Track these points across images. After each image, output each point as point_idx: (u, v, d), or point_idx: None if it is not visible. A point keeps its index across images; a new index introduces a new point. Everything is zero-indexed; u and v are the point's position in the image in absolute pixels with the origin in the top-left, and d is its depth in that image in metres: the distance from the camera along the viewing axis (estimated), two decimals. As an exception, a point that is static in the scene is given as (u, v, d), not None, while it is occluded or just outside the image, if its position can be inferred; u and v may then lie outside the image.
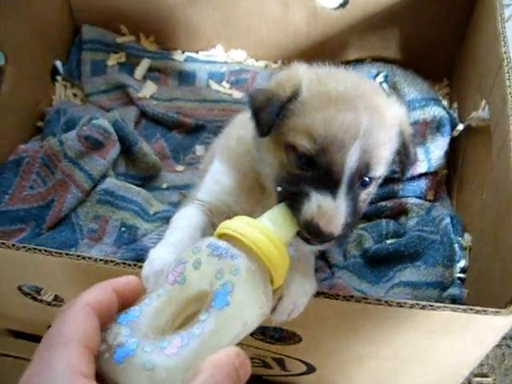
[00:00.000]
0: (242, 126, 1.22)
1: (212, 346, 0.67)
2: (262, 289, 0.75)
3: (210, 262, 0.74)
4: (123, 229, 1.58)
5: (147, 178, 1.82)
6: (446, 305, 0.98)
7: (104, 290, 0.71)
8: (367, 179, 1.00)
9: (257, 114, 1.02)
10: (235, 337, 0.71)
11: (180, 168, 1.88)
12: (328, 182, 0.94)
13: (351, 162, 0.93)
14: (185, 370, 0.64)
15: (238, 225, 0.80)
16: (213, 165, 1.25)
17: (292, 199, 0.94)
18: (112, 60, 2.09)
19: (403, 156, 1.09)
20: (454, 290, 1.33)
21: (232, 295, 0.70)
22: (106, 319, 0.69)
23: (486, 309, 0.96)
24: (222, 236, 0.81)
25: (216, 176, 1.21)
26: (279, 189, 0.99)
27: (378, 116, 0.99)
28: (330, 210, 0.92)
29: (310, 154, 0.95)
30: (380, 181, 1.09)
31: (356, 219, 1.01)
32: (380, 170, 1.02)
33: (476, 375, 1.62)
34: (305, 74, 1.03)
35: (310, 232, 0.92)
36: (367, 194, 1.05)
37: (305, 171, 0.97)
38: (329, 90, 0.98)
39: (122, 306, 0.72)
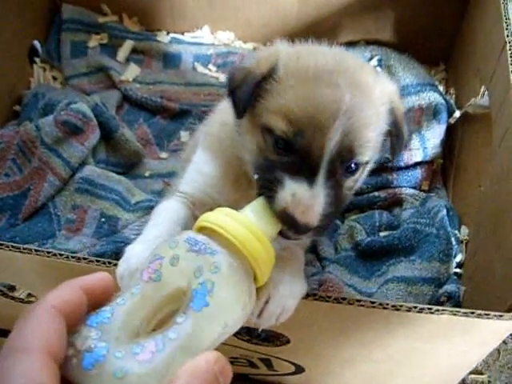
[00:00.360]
0: (225, 111, 1.14)
1: (189, 350, 0.62)
2: (245, 288, 0.70)
3: (188, 258, 0.68)
4: (103, 219, 1.51)
5: (129, 166, 1.75)
6: (444, 308, 0.91)
7: (71, 290, 0.64)
8: (353, 165, 0.91)
9: (233, 93, 0.95)
10: (215, 340, 0.65)
11: (164, 155, 1.80)
12: (305, 167, 0.86)
13: (331, 145, 0.85)
14: (159, 377, 0.59)
15: (219, 217, 0.75)
16: (195, 154, 1.18)
17: (267, 187, 0.87)
18: (93, 41, 2.00)
19: (394, 136, 1.00)
20: (450, 287, 1.27)
21: (211, 295, 0.64)
22: (74, 321, 0.62)
23: (488, 312, 0.90)
24: (201, 229, 0.75)
25: (199, 165, 1.14)
26: (256, 176, 0.92)
27: (364, 93, 0.90)
28: (306, 198, 0.84)
29: (286, 137, 0.87)
30: (370, 166, 1.00)
31: (339, 209, 0.93)
32: (367, 155, 0.92)
33: (471, 372, 1.56)
34: (283, 51, 0.95)
35: (284, 222, 0.85)
36: (354, 182, 0.96)
37: (282, 156, 0.89)
38: (307, 66, 0.89)
39: (93, 305, 0.65)
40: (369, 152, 0.92)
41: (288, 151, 0.88)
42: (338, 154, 0.86)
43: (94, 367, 0.58)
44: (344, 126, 0.85)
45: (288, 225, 0.85)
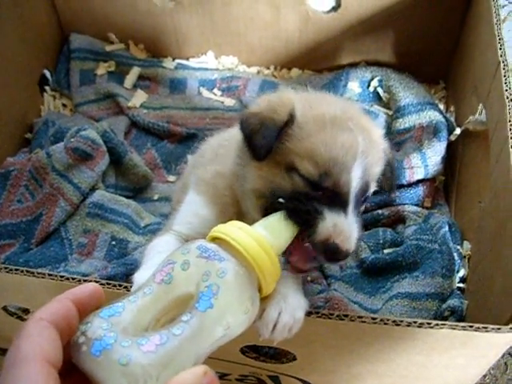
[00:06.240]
0: (218, 161, 1.21)
1: (191, 347, 0.67)
2: (248, 294, 0.75)
3: (198, 263, 0.74)
4: (113, 242, 1.55)
5: (138, 190, 1.79)
6: (444, 322, 0.93)
7: (59, 302, 0.69)
8: (367, 196, 1.03)
9: (250, 138, 1.02)
10: (216, 340, 0.70)
11: (172, 178, 1.84)
12: (337, 201, 0.95)
13: (355, 181, 0.96)
14: (161, 369, 0.63)
15: (230, 229, 0.81)
16: (188, 195, 1.23)
17: (303, 218, 0.94)
18: (101, 69, 2.06)
19: (389, 172, 1.12)
20: (453, 301, 1.29)
21: (216, 298, 0.70)
22: (66, 329, 0.66)
23: (486, 326, 0.92)
24: (213, 239, 0.81)
25: (194, 208, 1.19)
26: (281, 200, 0.97)
27: (369, 135, 1.03)
28: (346, 228, 0.93)
29: (313, 179, 0.96)
30: None
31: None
32: (373, 187, 1.06)
33: (479, 386, 1.58)
34: (296, 99, 1.05)
35: (326, 252, 0.93)
36: (362, 208, 1.08)
37: (314, 191, 0.97)
38: (322, 114, 1.00)
39: (84, 312, 0.70)
40: (374, 185, 1.06)
41: (315, 189, 0.97)
42: (360, 187, 0.98)
43: (101, 354, 0.62)
44: (362, 163, 0.97)
45: (329, 253, 0.94)
